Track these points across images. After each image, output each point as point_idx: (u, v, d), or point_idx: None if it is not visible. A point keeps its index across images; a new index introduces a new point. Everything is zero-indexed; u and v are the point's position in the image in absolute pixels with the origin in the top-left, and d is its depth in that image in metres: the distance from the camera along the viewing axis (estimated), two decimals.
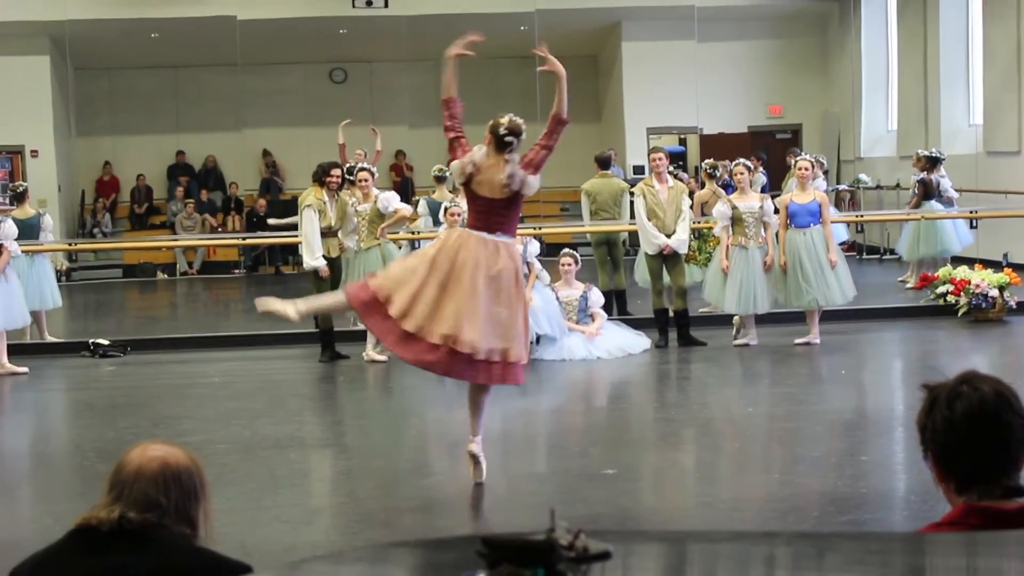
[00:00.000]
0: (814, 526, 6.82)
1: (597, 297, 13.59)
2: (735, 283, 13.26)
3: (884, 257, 22.26)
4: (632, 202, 14.60)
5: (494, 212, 7.81)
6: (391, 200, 13.24)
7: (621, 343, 13.25)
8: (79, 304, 20.62)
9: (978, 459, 3.05)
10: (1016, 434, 3.05)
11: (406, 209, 13.67)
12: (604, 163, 15.78)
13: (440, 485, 7.99)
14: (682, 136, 27.38)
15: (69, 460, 9.48)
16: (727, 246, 13.37)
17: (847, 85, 25.20)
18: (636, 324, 13.98)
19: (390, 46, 25.91)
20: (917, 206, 17.53)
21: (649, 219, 13.35)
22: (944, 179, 17.60)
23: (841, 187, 24.06)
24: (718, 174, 16.46)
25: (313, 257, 13.11)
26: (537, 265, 13.27)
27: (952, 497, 3.11)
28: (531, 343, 13.14)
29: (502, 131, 7.95)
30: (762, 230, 13.34)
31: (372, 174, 13.53)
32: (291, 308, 7.75)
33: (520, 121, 8.11)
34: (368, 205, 13.17)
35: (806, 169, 13.57)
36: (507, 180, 7.82)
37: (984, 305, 14.30)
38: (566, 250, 13.80)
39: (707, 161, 16.97)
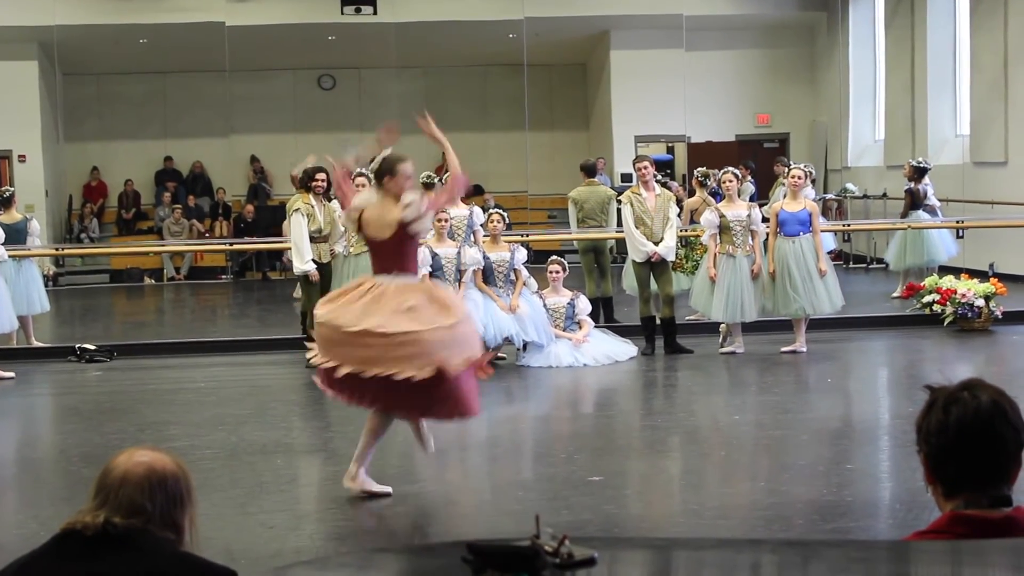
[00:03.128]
0: (799, 534, 6.83)
1: (584, 304, 13.60)
2: (722, 291, 13.28)
3: (871, 266, 22.31)
4: (619, 210, 14.62)
5: (387, 253, 7.73)
6: None
7: (608, 350, 13.26)
8: (66, 309, 20.58)
9: (966, 466, 3.05)
10: (1008, 447, 3.05)
11: None
12: (590, 171, 15.83)
13: (426, 491, 7.98)
14: (670, 144, 27.42)
15: (54, 465, 9.45)
16: (715, 254, 13.40)
17: (835, 95, 25.26)
18: (623, 331, 14.00)
19: (379, 53, 25.92)
20: (904, 215, 17.58)
21: (637, 227, 13.36)
22: (928, 187, 17.65)
23: (828, 196, 24.10)
24: (709, 182, 16.47)
25: (303, 261, 13.10)
26: (524, 272, 13.28)
27: (940, 501, 3.12)
28: (518, 350, 13.18)
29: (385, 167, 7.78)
30: (750, 238, 13.36)
31: (369, 180, 13.55)
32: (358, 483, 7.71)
33: (392, 156, 7.90)
34: None
35: (798, 178, 13.59)
36: (404, 212, 7.64)
37: (970, 315, 14.33)
38: (554, 257, 13.81)
39: (699, 169, 16.93)
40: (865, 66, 25.09)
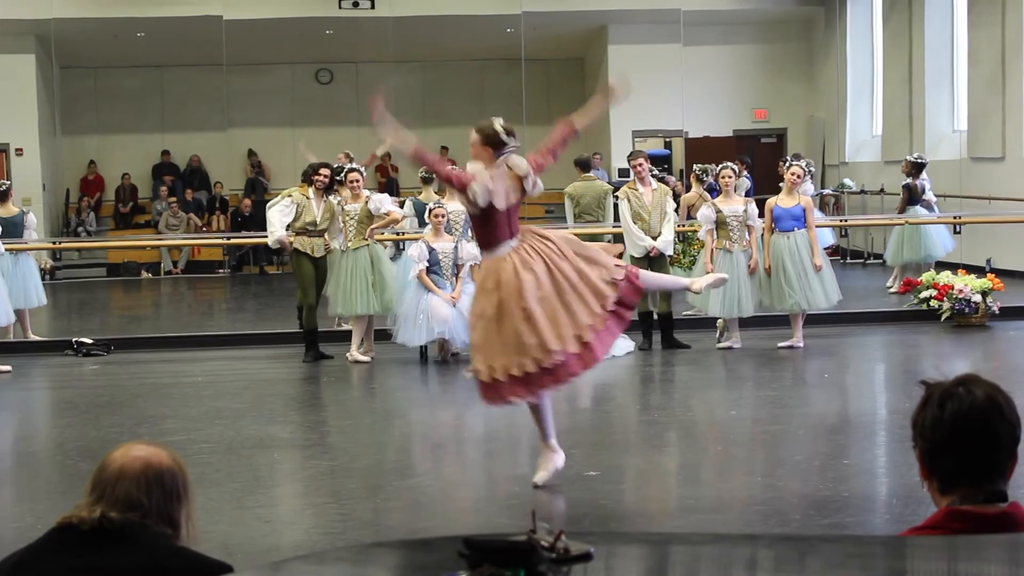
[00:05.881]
0: (796, 529, 6.83)
1: None
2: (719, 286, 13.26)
3: (868, 261, 22.32)
4: (616, 204, 14.61)
5: (511, 219, 7.66)
6: (383, 202, 13.27)
7: None
8: (63, 303, 20.57)
9: (961, 461, 3.05)
10: (1003, 442, 3.05)
11: (398, 212, 13.72)
12: (584, 166, 15.83)
13: (423, 486, 7.99)
14: (667, 139, 27.39)
15: (51, 459, 9.45)
16: (711, 249, 13.39)
17: (832, 90, 25.25)
18: None
19: (376, 47, 25.91)
20: (902, 211, 17.58)
21: (634, 222, 13.36)
22: (926, 183, 17.65)
23: (826, 191, 24.10)
24: (707, 178, 16.45)
25: (272, 235, 13.37)
26: None
27: (936, 497, 3.12)
28: None
29: (503, 135, 7.75)
30: (746, 234, 13.36)
31: (362, 175, 13.56)
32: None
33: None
34: (358, 206, 13.19)
35: (797, 176, 13.54)
36: (527, 181, 7.63)
37: (967, 310, 14.33)
38: None
39: (698, 165, 16.89)
40: (863, 61, 25.09)
